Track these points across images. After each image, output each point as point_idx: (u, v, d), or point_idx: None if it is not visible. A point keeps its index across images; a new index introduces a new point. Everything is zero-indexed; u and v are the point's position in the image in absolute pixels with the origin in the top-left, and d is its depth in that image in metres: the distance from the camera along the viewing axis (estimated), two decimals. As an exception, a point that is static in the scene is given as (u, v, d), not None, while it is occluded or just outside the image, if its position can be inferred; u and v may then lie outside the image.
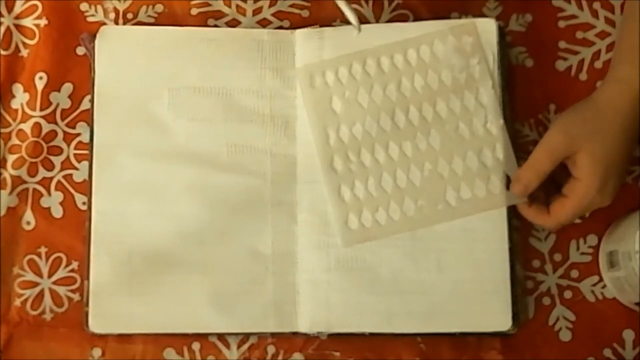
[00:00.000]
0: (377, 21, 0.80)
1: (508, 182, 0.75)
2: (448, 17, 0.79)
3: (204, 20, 0.81)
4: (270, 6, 0.81)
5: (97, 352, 0.76)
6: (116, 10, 0.81)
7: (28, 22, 0.81)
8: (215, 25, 0.81)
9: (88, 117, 0.78)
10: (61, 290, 0.77)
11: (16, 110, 0.79)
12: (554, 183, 0.74)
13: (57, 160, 0.79)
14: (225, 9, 0.81)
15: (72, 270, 0.77)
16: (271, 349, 0.76)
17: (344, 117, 0.77)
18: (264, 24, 0.81)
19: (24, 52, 0.80)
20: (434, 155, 0.76)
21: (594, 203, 0.72)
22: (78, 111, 0.79)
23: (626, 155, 0.72)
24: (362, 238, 0.75)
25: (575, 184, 0.72)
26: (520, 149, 0.77)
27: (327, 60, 0.77)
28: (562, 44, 0.80)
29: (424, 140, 0.76)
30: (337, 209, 0.76)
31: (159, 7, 0.81)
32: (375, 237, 0.75)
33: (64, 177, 0.79)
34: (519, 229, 0.77)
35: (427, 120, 0.76)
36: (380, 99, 0.77)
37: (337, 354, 0.76)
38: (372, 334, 0.75)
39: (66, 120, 0.79)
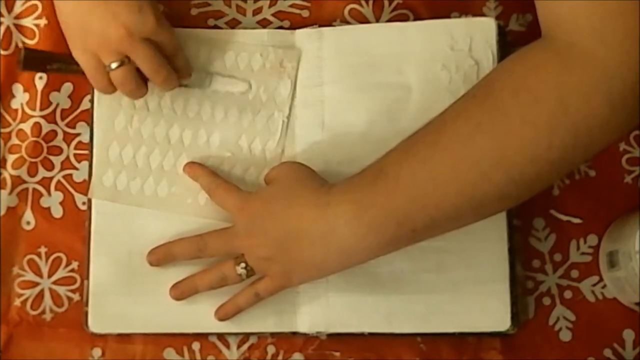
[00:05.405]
0: (377, 21, 0.80)
1: None
2: (448, 17, 0.79)
3: (204, 20, 0.81)
4: (270, 6, 0.81)
5: (97, 352, 0.76)
6: (116, 10, 0.81)
7: (28, 22, 0.80)
8: (216, 25, 0.80)
9: (88, 117, 0.78)
10: (61, 290, 0.77)
11: (16, 110, 0.79)
12: None
13: (57, 160, 0.79)
14: (225, 9, 0.81)
15: (72, 270, 0.77)
16: (271, 349, 0.76)
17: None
18: (264, 24, 0.80)
19: (24, 52, 0.81)
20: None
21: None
22: (78, 111, 0.79)
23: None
24: (110, 197, 0.76)
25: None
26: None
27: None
28: (562, 44, 0.80)
29: (205, 136, 0.77)
30: (98, 163, 0.76)
31: (159, 7, 0.81)
32: (122, 202, 0.76)
33: (64, 177, 0.79)
34: (519, 229, 0.77)
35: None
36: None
37: (337, 354, 0.76)
38: (371, 334, 0.75)
39: (66, 120, 0.79)
